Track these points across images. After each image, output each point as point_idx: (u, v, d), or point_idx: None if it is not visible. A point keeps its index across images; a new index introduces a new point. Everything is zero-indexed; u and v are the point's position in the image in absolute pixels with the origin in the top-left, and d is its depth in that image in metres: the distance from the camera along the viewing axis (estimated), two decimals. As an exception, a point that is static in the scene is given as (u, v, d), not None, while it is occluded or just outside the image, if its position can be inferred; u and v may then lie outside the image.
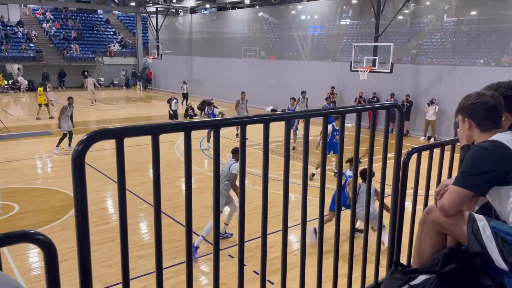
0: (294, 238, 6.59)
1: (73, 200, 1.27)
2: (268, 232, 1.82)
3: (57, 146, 13.01)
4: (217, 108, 15.29)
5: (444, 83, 16.01)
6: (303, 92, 16.80)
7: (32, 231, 1.14)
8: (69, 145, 13.20)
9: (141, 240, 7.16)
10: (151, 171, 8.54)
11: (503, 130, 1.90)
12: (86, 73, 32.71)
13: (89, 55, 33.94)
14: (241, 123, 1.53)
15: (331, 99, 19.37)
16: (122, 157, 1.32)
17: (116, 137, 1.28)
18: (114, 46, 36.03)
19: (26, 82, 29.12)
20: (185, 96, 24.36)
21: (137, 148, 12.19)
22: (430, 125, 15.61)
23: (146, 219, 8.09)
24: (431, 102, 15.49)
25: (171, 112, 18.04)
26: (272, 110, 23.29)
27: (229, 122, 1.55)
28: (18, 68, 30.81)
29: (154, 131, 1.34)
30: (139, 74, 34.30)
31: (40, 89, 19.73)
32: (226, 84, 25.81)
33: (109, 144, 13.77)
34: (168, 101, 18.20)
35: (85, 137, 1.25)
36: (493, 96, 1.91)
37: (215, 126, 1.46)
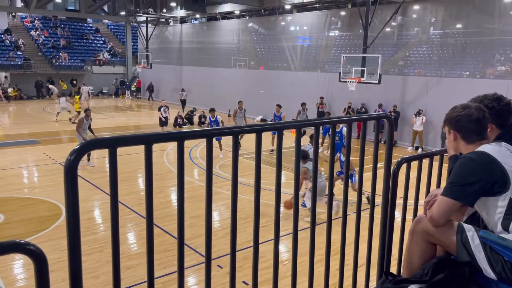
0: (283, 248, 6.58)
1: (65, 210, 1.26)
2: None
3: (88, 160, 12.53)
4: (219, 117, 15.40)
5: (431, 94, 16.28)
6: (303, 104, 16.84)
7: (22, 241, 1.12)
8: (88, 160, 12.60)
9: (130, 250, 7.07)
10: (139, 180, 8.54)
11: (489, 142, 1.94)
12: (74, 82, 32.47)
13: (78, 63, 33.74)
14: (233, 132, 1.54)
15: (320, 109, 19.55)
16: (115, 166, 1.32)
17: (109, 147, 1.27)
18: (103, 55, 35.88)
19: (56, 90, 28.71)
20: (183, 102, 25.25)
21: (125, 157, 12.14)
22: (418, 135, 15.81)
23: (134, 229, 8.00)
24: (418, 113, 15.71)
25: (163, 119, 18.11)
26: (261, 120, 23.39)
27: (221, 132, 1.56)
28: (5, 76, 30.47)
29: (147, 140, 1.34)
30: (127, 83, 34.16)
31: (77, 97, 21.24)
32: (215, 94, 25.85)
33: (97, 154, 13.56)
34: (159, 109, 18.30)
35: (78, 146, 1.25)
36: (478, 109, 1.96)
37: (207, 136, 1.47)
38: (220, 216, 8.86)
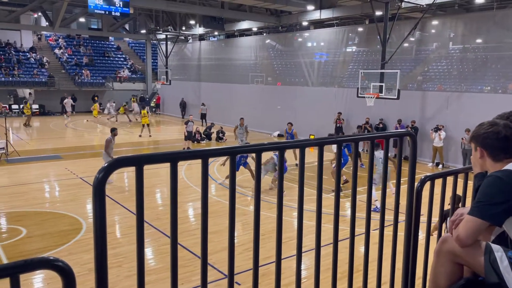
0: (303, 265, 6.50)
1: (93, 227, 1.28)
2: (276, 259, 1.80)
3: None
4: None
5: (451, 110, 16.03)
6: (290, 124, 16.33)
7: (51, 258, 1.15)
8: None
9: (148, 265, 7.09)
10: (157, 195, 8.59)
11: None
12: (96, 98, 33.28)
13: (99, 80, 34.60)
14: (256, 150, 1.55)
15: (338, 125, 19.43)
16: (142, 184, 1.34)
17: (136, 165, 1.30)
18: (124, 71, 36.73)
19: (138, 108, 29.83)
20: (203, 116, 26.25)
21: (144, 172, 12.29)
22: (438, 151, 15.53)
23: (152, 244, 8.03)
24: (437, 128, 15.46)
25: (186, 133, 18.39)
26: (278, 135, 23.40)
27: (244, 150, 1.57)
28: (30, 93, 31.42)
29: (173, 158, 1.36)
30: (147, 99, 34.77)
31: (144, 111, 22.68)
32: (233, 110, 26.05)
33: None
34: (186, 123, 18.58)
35: (106, 164, 1.27)
36: (506, 126, 1.92)
37: (231, 154, 1.48)
38: (237, 232, 8.83)
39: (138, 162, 1.29)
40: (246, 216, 9.34)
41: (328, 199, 2.04)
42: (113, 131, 12.83)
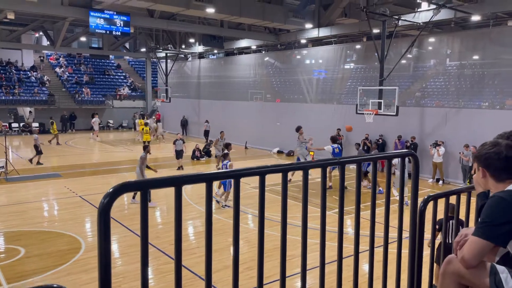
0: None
1: (97, 253, 1.27)
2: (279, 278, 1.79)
3: (134, 197, 12.16)
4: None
5: (450, 126, 16.09)
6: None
7: (55, 286, 1.14)
8: (150, 201, 12.07)
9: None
10: (157, 213, 8.48)
11: None
12: (95, 116, 33.40)
13: (99, 98, 34.79)
14: (260, 173, 1.56)
15: (338, 141, 19.45)
16: (146, 208, 1.34)
17: (141, 189, 1.30)
18: (124, 89, 36.96)
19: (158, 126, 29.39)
20: (207, 133, 26.38)
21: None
22: (437, 167, 15.52)
23: (152, 263, 7.93)
24: (436, 144, 15.49)
25: (175, 152, 18.10)
26: (278, 151, 23.42)
27: (248, 172, 1.57)
28: (30, 111, 31.53)
29: (177, 182, 1.36)
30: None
31: (147, 128, 23.25)
32: (233, 126, 26.13)
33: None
34: (174, 142, 18.27)
35: (111, 190, 1.28)
36: (508, 146, 1.93)
37: (235, 177, 1.49)
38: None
39: (143, 187, 1.29)
40: (246, 234, 9.26)
41: (331, 216, 2.02)
42: (146, 148, 12.84)
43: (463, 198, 2.47)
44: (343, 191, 1.93)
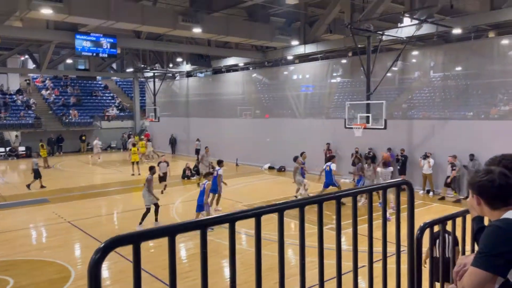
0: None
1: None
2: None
3: (140, 223, 11.77)
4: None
5: (438, 137, 16.29)
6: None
7: None
8: (156, 219, 12.10)
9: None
10: (152, 264, 8.11)
11: None
12: (83, 138, 33.10)
13: (87, 119, 34.52)
14: (256, 214, 1.53)
15: (328, 155, 19.54)
16: (139, 264, 1.30)
17: (133, 243, 1.27)
18: (112, 110, 36.78)
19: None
20: (198, 152, 25.60)
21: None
22: (427, 178, 15.64)
23: (146, 290, 7.76)
24: (425, 156, 15.64)
25: (161, 174, 16.89)
26: (269, 167, 23.38)
27: (243, 215, 1.54)
28: (16, 135, 31.12)
29: (171, 232, 1.33)
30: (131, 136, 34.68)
31: (135, 148, 22.66)
32: (223, 144, 26.11)
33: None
34: (158, 164, 16.94)
35: (102, 245, 1.24)
36: (501, 174, 1.93)
37: (230, 221, 1.46)
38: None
39: (135, 240, 1.26)
40: (239, 254, 9.14)
41: (327, 233, 1.98)
42: (152, 169, 12.70)
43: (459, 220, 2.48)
44: (339, 226, 1.91)
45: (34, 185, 17.95)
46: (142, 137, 33.24)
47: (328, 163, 14.44)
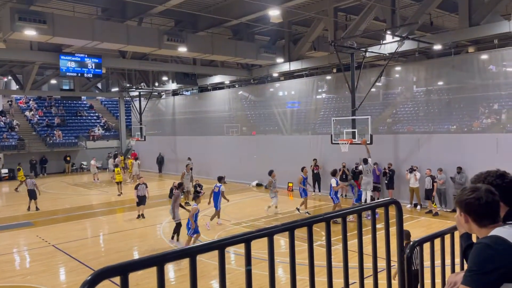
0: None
1: None
2: None
3: (172, 238, 12.14)
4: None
5: (423, 151, 16.51)
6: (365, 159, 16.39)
7: None
8: (177, 240, 12.14)
9: None
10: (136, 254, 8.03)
11: (501, 224, 1.91)
12: (68, 158, 32.59)
13: (72, 140, 34.07)
14: (246, 240, 1.50)
15: (315, 171, 19.60)
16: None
17: (121, 274, 1.22)
18: (97, 130, 36.40)
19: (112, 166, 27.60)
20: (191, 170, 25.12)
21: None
22: (414, 192, 15.77)
23: (133, 315, 7.56)
24: (412, 170, 15.81)
25: (136, 200, 15.61)
26: (257, 184, 23.29)
27: (233, 241, 1.51)
28: (-1, 157, 30.49)
29: (159, 261, 1.29)
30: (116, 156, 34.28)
31: (118, 169, 22.55)
32: (210, 161, 25.99)
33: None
34: (136, 187, 15.87)
35: (89, 277, 1.20)
36: (487, 192, 1.94)
37: (219, 248, 1.43)
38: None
39: (123, 270, 1.22)
40: (229, 274, 9.00)
41: (316, 249, 1.95)
42: (181, 185, 12.91)
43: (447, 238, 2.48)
44: (330, 247, 1.89)
45: (31, 206, 17.62)
46: (129, 156, 32.91)
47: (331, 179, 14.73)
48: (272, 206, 16.24)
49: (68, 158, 32.63)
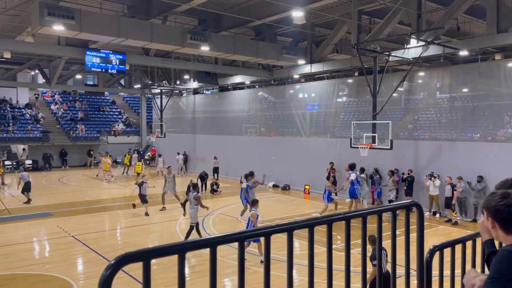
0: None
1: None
2: None
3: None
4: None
5: (444, 158, 16.18)
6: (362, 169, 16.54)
7: None
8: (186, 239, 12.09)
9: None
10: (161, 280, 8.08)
11: None
12: (91, 152, 33.27)
13: (94, 134, 34.77)
14: (266, 234, 1.51)
15: (331, 175, 19.42)
16: (149, 280, 1.28)
17: (143, 260, 1.25)
18: (118, 125, 37.04)
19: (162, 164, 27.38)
20: (216, 170, 25.64)
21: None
22: (434, 200, 15.48)
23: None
24: (431, 176, 15.51)
25: (141, 196, 15.37)
26: (274, 185, 23.27)
27: (253, 234, 1.53)
28: (23, 148, 31.35)
29: (180, 250, 1.32)
30: (142, 152, 34.77)
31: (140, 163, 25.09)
32: (228, 161, 26.10)
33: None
34: (140, 185, 15.50)
35: (113, 261, 1.23)
36: None
37: (239, 240, 1.44)
38: (235, 291, 8.50)
39: (146, 257, 1.24)
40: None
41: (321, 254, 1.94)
42: (196, 186, 12.74)
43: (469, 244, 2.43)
44: (349, 249, 1.87)
45: (23, 198, 17.99)
46: (134, 155, 33.00)
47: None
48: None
49: (91, 152, 33.32)
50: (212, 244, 1.38)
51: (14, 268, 9.85)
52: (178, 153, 28.20)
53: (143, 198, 15.40)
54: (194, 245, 1.38)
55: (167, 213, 16.10)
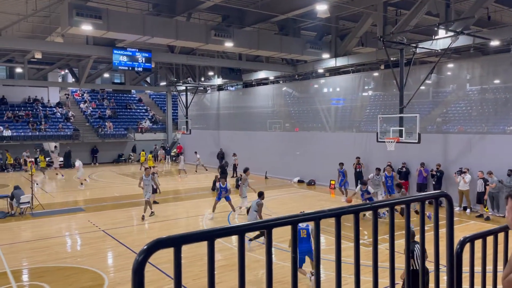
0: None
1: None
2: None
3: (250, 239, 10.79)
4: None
5: (475, 152, 15.71)
6: (377, 169, 16.29)
7: None
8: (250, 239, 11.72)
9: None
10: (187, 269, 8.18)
11: None
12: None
13: (121, 132, 35.58)
14: (292, 222, 1.53)
15: (358, 169, 19.16)
16: (180, 265, 1.32)
17: (174, 245, 1.29)
18: (145, 122, 37.77)
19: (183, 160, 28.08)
20: (234, 168, 25.23)
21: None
22: (464, 195, 15.06)
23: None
24: (460, 171, 15.09)
25: (154, 187, 15.86)
26: (298, 181, 23.20)
27: (280, 223, 1.54)
28: (55, 146, 32.42)
29: (210, 236, 1.35)
30: (168, 149, 35.36)
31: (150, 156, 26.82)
32: (252, 156, 26.18)
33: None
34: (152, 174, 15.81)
35: (146, 247, 1.27)
36: None
37: (266, 228, 1.46)
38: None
39: (177, 242, 1.28)
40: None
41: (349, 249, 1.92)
42: (261, 195, 11.90)
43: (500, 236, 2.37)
44: (376, 240, 1.86)
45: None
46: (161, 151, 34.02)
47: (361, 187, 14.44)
48: (242, 208, 14.62)
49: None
50: (240, 231, 1.40)
51: (48, 261, 10.24)
52: (196, 153, 28.43)
53: (154, 190, 15.76)
54: (223, 232, 1.41)
55: (193, 208, 16.32)
